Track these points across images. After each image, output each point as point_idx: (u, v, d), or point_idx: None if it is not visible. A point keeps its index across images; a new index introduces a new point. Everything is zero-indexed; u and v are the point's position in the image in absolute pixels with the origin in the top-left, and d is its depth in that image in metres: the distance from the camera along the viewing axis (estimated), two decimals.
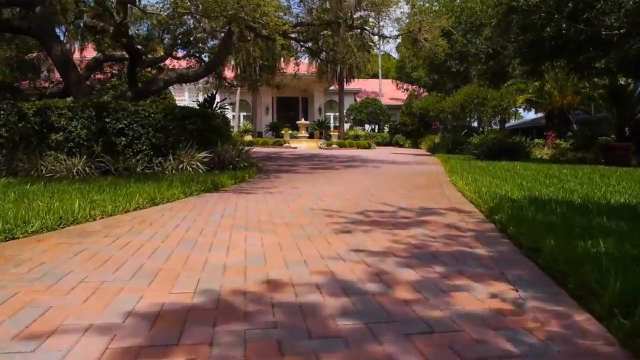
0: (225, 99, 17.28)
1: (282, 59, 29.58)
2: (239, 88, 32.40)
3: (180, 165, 9.48)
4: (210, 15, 8.88)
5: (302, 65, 33.64)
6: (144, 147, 9.42)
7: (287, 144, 25.35)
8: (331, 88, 33.26)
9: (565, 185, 6.74)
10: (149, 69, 16.38)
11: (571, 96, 26.70)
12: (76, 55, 15.71)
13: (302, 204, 5.55)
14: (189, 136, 9.87)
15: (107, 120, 9.32)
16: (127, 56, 12.50)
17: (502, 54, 21.16)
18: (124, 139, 9.34)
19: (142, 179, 7.91)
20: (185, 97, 34.14)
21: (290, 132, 27.12)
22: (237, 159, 10.50)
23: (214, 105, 16.43)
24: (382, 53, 44.52)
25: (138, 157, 9.25)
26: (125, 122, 9.37)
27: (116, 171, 8.99)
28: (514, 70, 22.17)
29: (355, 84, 38.23)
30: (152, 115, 9.60)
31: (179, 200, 5.90)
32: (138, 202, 5.18)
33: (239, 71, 26.55)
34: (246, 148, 12.21)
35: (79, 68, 13.70)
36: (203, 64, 14.57)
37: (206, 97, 16.32)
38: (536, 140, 25.70)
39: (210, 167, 10.04)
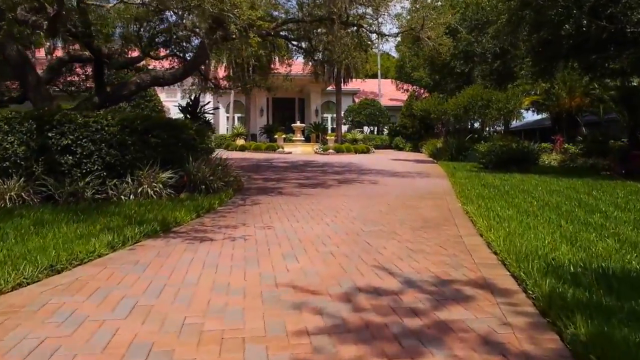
0: (209, 102, 15.60)
1: (276, 59, 27.97)
2: (232, 91, 30.84)
3: (140, 189, 7.82)
4: (169, 6, 7.23)
5: (297, 66, 31.95)
6: (96, 167, 7.75)
7: (280, 149, 23.67)
8: (329, 88, 31.57)
9: (619, 230, 5.06)
10: (126, 70, 14.72)
11: (580, 98, 24.97)
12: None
13: (264, 273, 3.85)
14: (153, 152, 8.19)
15: (50, 134, 7.65)
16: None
17: (511, 54, 19.41)
18: (70, 157, 7.66)
19: (83, 211, 6.25)
20: (178, 98, 32.46)
21: (284, 135, 25.41)
22: (210, 177, 8.82)
23: (198, 110, 14.79)
24: (381, 53, 42.78)
25: (88, 180, 7.57)
26: (72, 137, 7.69)
27: (60, 197, 7.32)
28: (521, 70, 20.42)
29: (354, 84, 36.50)
30: (106, 128, 7.92)
31: (96, 260, 4.19)
32: (24, 273, 3.50)
33: (230, 72, 24.95)
34: (227, 162, 10.52)
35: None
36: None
37: (189, 100, 14.65)
38: (543, 145, 23.97)
39: (179, 189, 8.39)
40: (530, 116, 39.16)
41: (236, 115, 32.35)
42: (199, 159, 9.04)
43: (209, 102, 15.45)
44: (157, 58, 15.10)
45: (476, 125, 28.37)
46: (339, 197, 8.62)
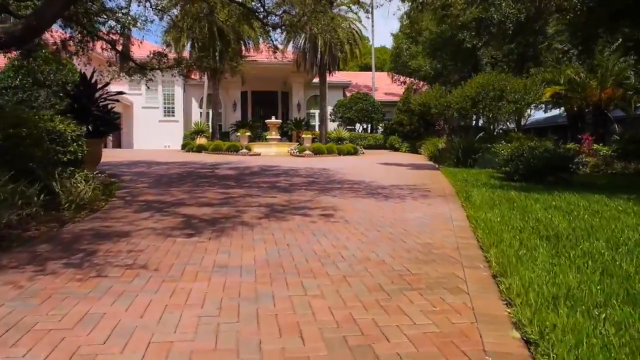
0: (108, 83, 10.57)
1: (249, 44, 22.92)
2: (205, 81, 25.81)
3: None
4: None
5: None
6: None
7: (244, 150, 18.60)
8: (315, 81, 26.50)
9: None
10: None
11: (612, 89, 19.75)
12: None
13: None
14: None
15: None
16: None
17: (539, 24, 14.18)
18: None
19: None
20: (142, 90, 27.39)
21: (249, 133, 20.28)
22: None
23: (94, 95, 9.80)
24: (375, 46, 37.58)
25: None
26: None
27: None
28: (549, 49, 15.21)
29: (345, 76, 31.41)
30: None
31: None
32: None
33: (193, 55, 19.95)
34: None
35: None
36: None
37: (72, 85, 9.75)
38: (569, 145, 18.77)
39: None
40: (535, 114, 33.52)
41: (210, 111, 27.36)
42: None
43: (107, 84, 10.40)
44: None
45: (480, 122, 23.34)
46: (202, 280, 3.58)
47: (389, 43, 66.16)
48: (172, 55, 13.98)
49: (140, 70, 12.65)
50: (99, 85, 9.97)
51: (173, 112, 28.28)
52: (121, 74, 13.05)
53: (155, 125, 27.65)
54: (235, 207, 6.58)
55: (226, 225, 5.28)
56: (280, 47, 23.71)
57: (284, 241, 4.51)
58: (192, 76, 28.90)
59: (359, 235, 4.85)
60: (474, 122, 24.22)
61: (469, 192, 7.83)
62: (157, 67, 12.79)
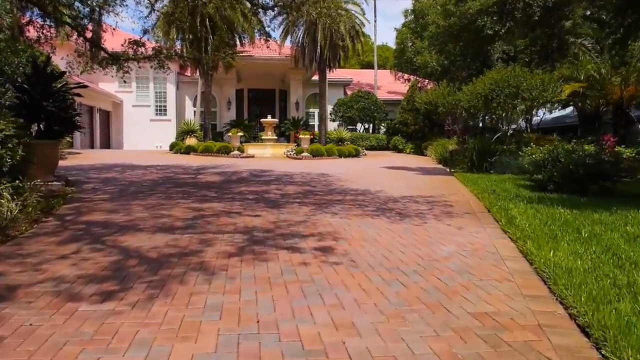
0: (64, 73, 8.79)
1: (241, 37, 21.14)
2: (199, 79, 23.98)
3: None
4: None
5: (273, 46, 25.09)
6: None
7: (236, 152, 16.79)
8: (314, 78, 24.74)
9: None
10: None
11: (634, 85, 17.97)
12: None
13: None
14: None
15: None
16: None
17: (570, 8, 12.36)
18: None
19: None
20: (133, 88, 25.55)
21: (241, 133, 18.46)
22: None
23: (50, 88, 8.03)
24: (378, 44, 35.68)
25: None
26: None
27: None
28: (574, 41, 13.38)
29: (345, 74, 29.65)
30: None
31: None
32: None
33: (185, 47, 18.23)
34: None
35: None
36: None
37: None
38: (586, 147, 16.95)
39: None
40: (538, 113, 31.56)
41: (204, 110, 25.54)
42: None
43: (63, 73, 8.62)
44: None
45: (486, 122, 21.53)
46: None
47: (390, 41, 63.91)
48: (154, 47, 12.15)
49: (114, 60, 10.89)
50: (71, 80, 8.18)
51: (165, 110, 26.50)
52: (93, 66, 11.28)
53: (147, 124, 25.87)
54: (203, 233, 4.81)
55: (175, 271, 3.51)
56: (277, 38, 21.99)
57: (253, 311, 2.74)
58: (186, 73, 27.22)
59: (373, 293, 3.09)
60: (479, 122, 22.46)
61: (505, 208, 6.06)
62: (133, 57, 11.04)
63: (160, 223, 5.31)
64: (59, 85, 8.27)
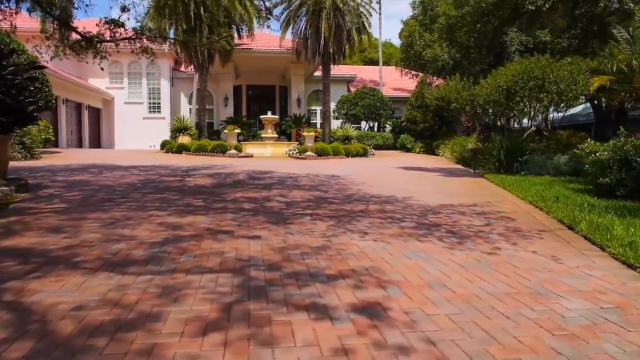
0: (14, 51, 6.97)
1: (239, 29, 19.36)
2: (195, 74, 22.12)
3: None
4: None
5: (273, 39, 23.29)
6: None
7: (233, 151, 14.95)
8: (316, 74, 22.94)
9: None
10: None
11: None
12: None
13: None
14: None
15: None
16: None
17: None
18: None
19: None
20: (124, 84, 23.61)
21: (237, 130, 16.59)
22: None
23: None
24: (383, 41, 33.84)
25: None
26: None
27: None
28: (624, 21, 11.57)
29: (349, 69, 27.89)
30: None
31: None
32: None
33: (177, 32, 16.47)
34: None
35: None
36: None
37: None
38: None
39: None
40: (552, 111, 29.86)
41: (199, 106, 23.70)
42: None
43: (12, 51, 6.82)
44: None
45: (489, 121, 19.75)
46: None
47: (393, 38, 61.85)
48: (135, 27, 10.31)
49: (88, 42, 9.08)
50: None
51: (159, 108, 24.66)
52: (65, 50, 9.48)
53: (140, 122, 24.03)
54: (170, 273, 3.02)
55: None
56: (278, 31, 20.23)
57: None
58: (181, 69, 25.36)
59: None
60: (491, 119, 20.74)
61: (598, 224, 4.29)
62: (109, 39, 9.23)
63: (112, 252, 3.53)
64: (8, 67, 6.48)
